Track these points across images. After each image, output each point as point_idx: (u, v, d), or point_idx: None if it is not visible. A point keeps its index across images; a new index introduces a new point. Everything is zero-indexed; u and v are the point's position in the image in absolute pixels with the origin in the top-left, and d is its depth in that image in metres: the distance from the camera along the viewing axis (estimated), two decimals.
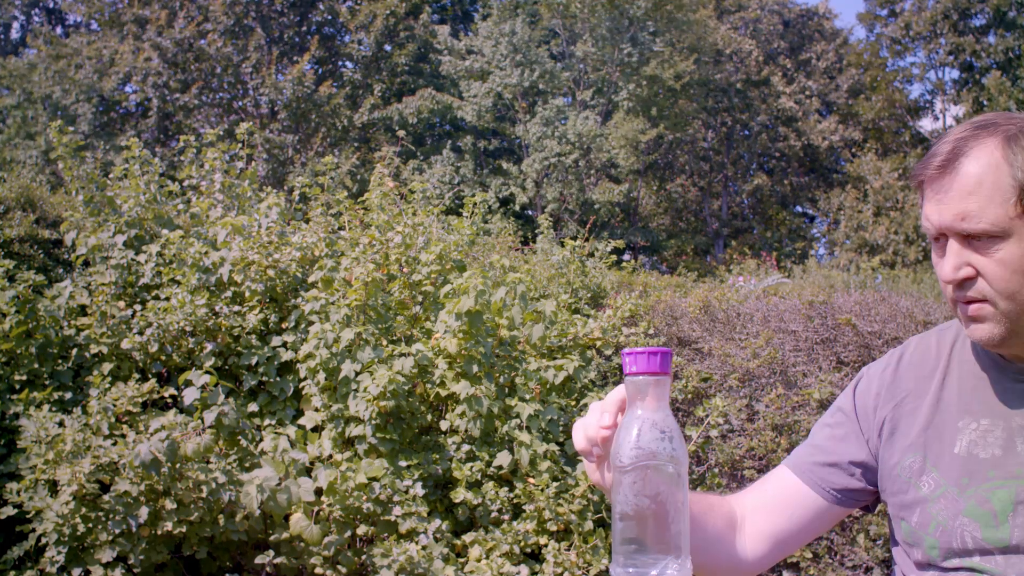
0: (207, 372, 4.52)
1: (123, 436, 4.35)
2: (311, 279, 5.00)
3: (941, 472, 1.30)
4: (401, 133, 12.79)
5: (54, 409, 4.47)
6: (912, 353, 1.41)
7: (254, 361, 4.83)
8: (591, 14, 20.29)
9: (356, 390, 4.52)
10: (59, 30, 27.20)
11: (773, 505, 1.43)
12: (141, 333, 4.81)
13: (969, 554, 1.25)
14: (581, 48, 20.44)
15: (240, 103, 19.89)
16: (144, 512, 4.03)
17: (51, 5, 27.77)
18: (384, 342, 4.80)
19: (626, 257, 19.64)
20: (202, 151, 6.04)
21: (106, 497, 4.05)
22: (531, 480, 4.55)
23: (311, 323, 4.84)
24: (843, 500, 1.42)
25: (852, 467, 1.41)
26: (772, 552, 1.42)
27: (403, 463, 4.47)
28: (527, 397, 4.72)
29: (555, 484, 4.53)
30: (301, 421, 4.74)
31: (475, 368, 4.64)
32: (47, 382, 4.72)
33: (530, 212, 20.59)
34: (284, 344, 4.93)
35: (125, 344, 4.71)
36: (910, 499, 1.33)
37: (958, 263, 1.20)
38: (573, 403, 5.03)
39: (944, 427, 1.32)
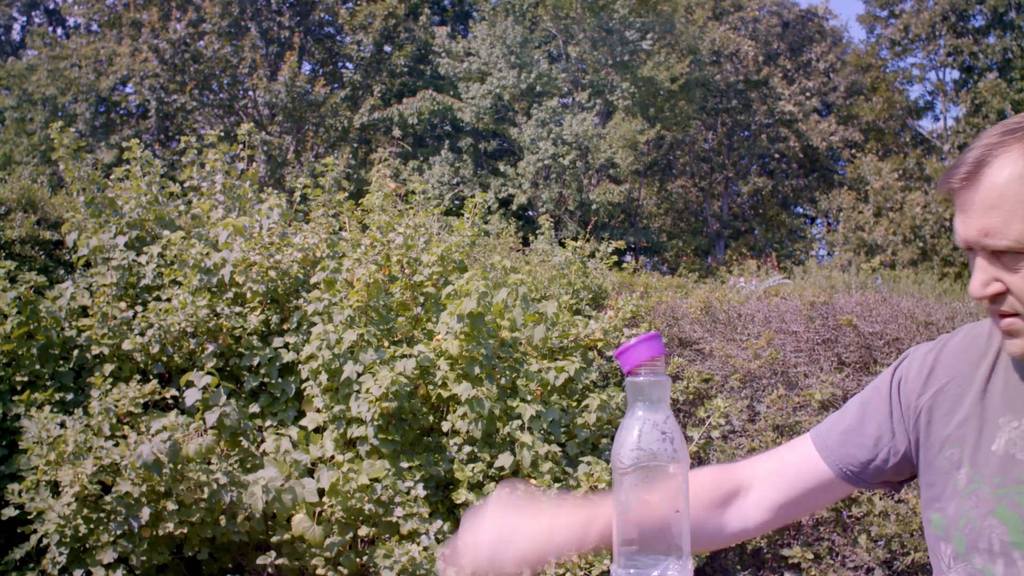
0: (208, 373, 4.52)
1: (124, 437, 4.35)
2: (313, 280, 5.00)
3: (976, 467, 1.26)
4: (397, 133, 12.62)
5: (55, 410, 4.47)
6: (961, 339, 1.35)
7: (256, 362, 4.83)
8: (582, 15, 20.29)
9: (358, 391, 4.52)
10: (59, 31, 27.20)
11: (787, 477, 1.42)
12: (142, 334, 4.81)
13: (994, 557, 1.21)
14: (575, 50, 20.45)
15: (240, 104, 19.87)
16: (146, 513, 4.03)
17: (51, 6, 27.78)
18: (386, 343, 4.80)
19: (627, 258, 19.62)
20: (203, 152, 6.04)
21: (108, 498, 4.05)
22: (533, 481, 4.55)
23: (313, 324, 4.84)
24: (858, 480, 1.39)
25: (877, 448, 1.37)
26: (773, 520, 1.42)
27: (405, 464, 4.47)
28: (529, 398, 4.72)
29: (557, 485, 4.53)
30: (303, 422, 4.74)
31: (477, 370, 4.63)
32: (48, 383, 4.72)
33: (530, 213, 20.57)
34: (286, 345, 4.93)
35: (126, 345, 4.71)
36: (947, 492, 1.29)
37: (986, 279, 1.17)
38: (575, 404, 5.03)
39: (985, 421, 1.27)
